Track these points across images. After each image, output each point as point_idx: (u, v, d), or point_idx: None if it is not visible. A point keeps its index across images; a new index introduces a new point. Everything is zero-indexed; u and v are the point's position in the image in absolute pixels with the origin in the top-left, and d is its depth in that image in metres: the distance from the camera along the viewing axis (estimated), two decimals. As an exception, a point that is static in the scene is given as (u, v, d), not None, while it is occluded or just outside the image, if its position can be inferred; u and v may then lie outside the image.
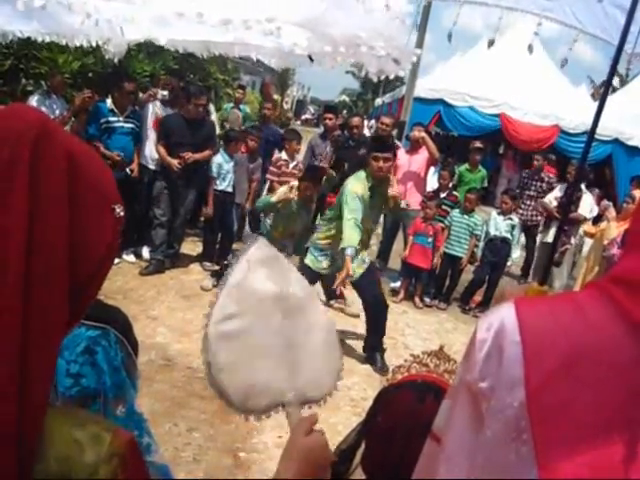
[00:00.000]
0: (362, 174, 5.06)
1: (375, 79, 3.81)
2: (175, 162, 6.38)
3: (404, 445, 1.17)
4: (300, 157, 7.62)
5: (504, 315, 0.76)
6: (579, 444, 0.67)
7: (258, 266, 1.28)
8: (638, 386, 0.68)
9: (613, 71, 3.26)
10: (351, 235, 4.78)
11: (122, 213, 0.79)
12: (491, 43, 5.47)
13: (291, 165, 7.36)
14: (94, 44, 4.76)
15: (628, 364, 0.68)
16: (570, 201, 4.83)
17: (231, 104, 9.42)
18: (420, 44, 7.24)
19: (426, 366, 1.29)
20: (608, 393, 0.68)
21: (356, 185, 5.00)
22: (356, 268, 4.95)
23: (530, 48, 5.18)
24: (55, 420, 0.76)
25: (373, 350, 5.34)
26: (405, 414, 1.20)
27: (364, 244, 5.10)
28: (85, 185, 0.74)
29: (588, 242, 7.44)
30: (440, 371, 1.27)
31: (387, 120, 7.61)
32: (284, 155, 7.42)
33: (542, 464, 0.68)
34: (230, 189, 6.97)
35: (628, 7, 3.45)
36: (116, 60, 5.68)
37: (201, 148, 6.58)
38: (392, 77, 3.51)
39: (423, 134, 7.20)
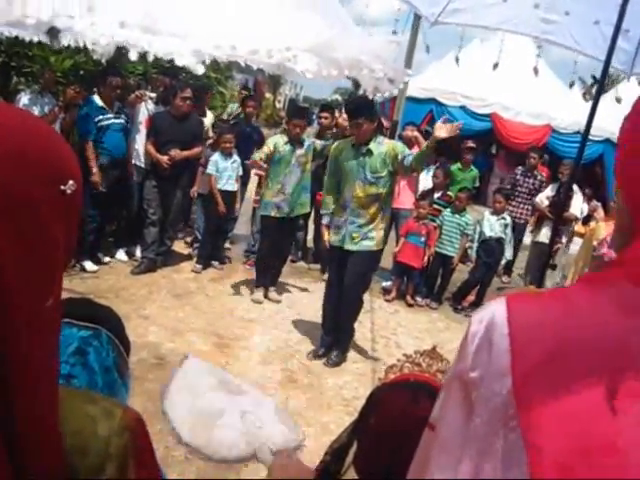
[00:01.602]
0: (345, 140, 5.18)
1: (371, 97, 4.03)
2: (165, 159, 6.39)
3: (397, 444, 1.17)
4: None
5: (495, 309, 0.80)
6: (566, 429, 0.69)
7: (195, 373, 1.32)
8: (624, 371, 0.70)
9: (601, 86, 3.32)
10: (325, 200, 5.24)
11: (74, 187, 0.73)
12: (495, 66, 5.52)
13: None
14: (81, 45, 4.90)
15: (614, 351, 0.71)
16: (563, 200, 4.87)
17: (237, 104, 9.36)
18: (412, 45, 7.23)
19: (419, 365, 1.29)
20: (594, 380, 0.70)
21: (333, 148, 5.25)
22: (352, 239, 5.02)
23: (535, 70, 5.23)
24: (67, 397, 0.77)
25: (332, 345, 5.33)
26: (398, 413, 1.20)
27: (354, 210, 5.00)
28: (20, 174, 0.66)
29: (577, 242, 7.48)
30: (432, 370, 1.27)
31: (385, 123, 7.55)
32: None
33: (530, 449, 0.70)
34: (229, 187, 6.95)
35: (624, 29, 3.53)
36: (104, 60, 5.71)
37: (189, 144, 6.58)
38: (387, 95, 3.79)
39: (416, 133, 7.20)
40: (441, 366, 1.29)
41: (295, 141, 6.03)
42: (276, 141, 6.07)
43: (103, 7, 2.93)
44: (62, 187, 0.71)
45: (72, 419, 0.77)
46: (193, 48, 3.22)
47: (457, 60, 6.45)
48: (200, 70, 3.34)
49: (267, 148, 6.05)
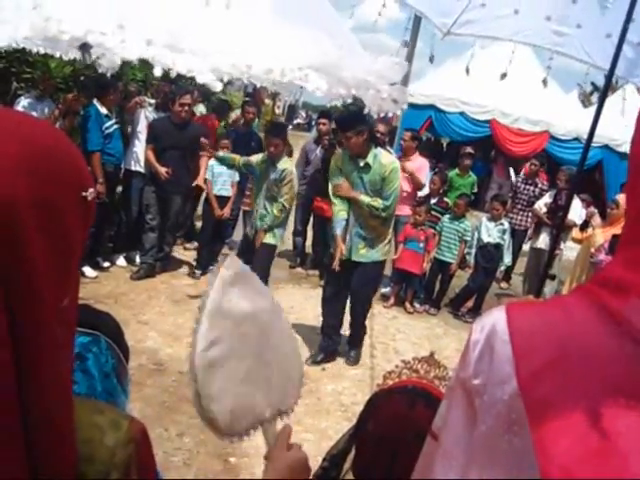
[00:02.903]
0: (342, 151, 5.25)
1: (375, 116, 4.17)
2: (163, 170, 6.42)
3: (394, 450, 1.17)
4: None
5: (495, 317, 0.82)
6: (570, 432, 0.71)
7: (231, 286, 1.29)
8: (621, 377, 0.71)
9: (604, 96, 3.34)
10: (335, 209, 5.10)
11: (94, 195, 0.77)
12: (503, 76, 5.57)
13: None
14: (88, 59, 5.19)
15: (613, 359, 0.72)
16: (564, 207, 4.87)
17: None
18: (411, 51, 7.26)
19: (416, 372, 1.30)
20: (594, 386, 0.72)
21: (334, 157, 5.35)
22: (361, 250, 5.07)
23: (545, 82, 5.26)
24: (77, 407, 0.79)
25: (349, 344, 5.49)
26: (395, 420, 1.20)
27: (360, 223, 5.07)
28: (51, 184, 0.70)
29: (570, 247, 7.48)
30: (430, 377, 1.28)
31: (382, 127, 7.55)
32: None
33: (540, 452, 0.71)
34: (224, 193, 6.95)
35: (636, 41, 3.53)
36: (109, 74, 5.87)
37: (189, 151, 6.58)
38: (390, 115, 4.00)
39: (410, 170, 7.12)
40: (439, 373, 1.29)
41: (271, 161, 5.73)
42: (257, 158, 5.89)
43: (132, 25, 3.06)
44: (84, 194, 0.75)
45: (81, 428, 0.79)
46: (212, 67, 3.38)
47: (467, 71, 6.45)
48: (218, 87, 3.50)
49: (251, 159, 5.94)
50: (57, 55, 4.68)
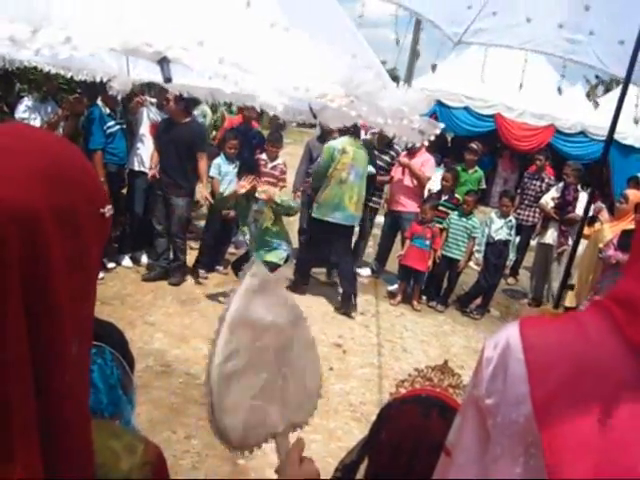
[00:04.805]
0: None
1: (403, 146, 4.35)
2: (151, 173, 6.49)
3: (409, 460, 1.16)
4: (280, 160, 7.60)
5: (509, 335, 0.80)
6: (586, 455, 0.69)
7: (255, 295, 1.29)
8: (635, 404, 0.70)
9: (621, 101, 3.33)
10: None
11: (111, 212, 0.81)
12: (521, 86, 5.62)
13: (269, 165, 7.43)
14: (98, 79, 5.69)
15: (628, 381, 0.71)
16: (571, 202, 4.82)
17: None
18: (415, 44, 7.23)
19: (430, 380, 1.27)
20: (610, 407, 0.70)
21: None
22: None
23: (560, 90, 5.27)
24: (93, 430, 0.80)
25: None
26: (409, 429, 1.18)
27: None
28: (70, 197, 0.73)
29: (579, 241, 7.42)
30: (444, 385, 1.26)
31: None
32: (264, 156, 7.51)
33: (552, 475, 0.70)
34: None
35: None
36: (119, 97, 6.14)
37: (184, 153, 6.45)
38: (418, 146, 4.28)
39: (407, 162, 7.16)
40: (453, 381, 1.27)
41: (245, 196, 5.82)
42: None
43: (210, 42, 3.13)
44: (102, 210, 0.79)
45: (96, 453, 0.80)
46: (275, 87, 3.51)
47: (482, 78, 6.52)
48: (279, 108, 3.59)
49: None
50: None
